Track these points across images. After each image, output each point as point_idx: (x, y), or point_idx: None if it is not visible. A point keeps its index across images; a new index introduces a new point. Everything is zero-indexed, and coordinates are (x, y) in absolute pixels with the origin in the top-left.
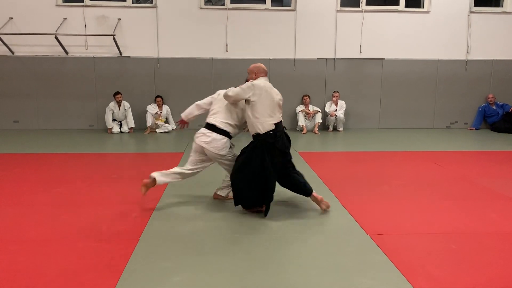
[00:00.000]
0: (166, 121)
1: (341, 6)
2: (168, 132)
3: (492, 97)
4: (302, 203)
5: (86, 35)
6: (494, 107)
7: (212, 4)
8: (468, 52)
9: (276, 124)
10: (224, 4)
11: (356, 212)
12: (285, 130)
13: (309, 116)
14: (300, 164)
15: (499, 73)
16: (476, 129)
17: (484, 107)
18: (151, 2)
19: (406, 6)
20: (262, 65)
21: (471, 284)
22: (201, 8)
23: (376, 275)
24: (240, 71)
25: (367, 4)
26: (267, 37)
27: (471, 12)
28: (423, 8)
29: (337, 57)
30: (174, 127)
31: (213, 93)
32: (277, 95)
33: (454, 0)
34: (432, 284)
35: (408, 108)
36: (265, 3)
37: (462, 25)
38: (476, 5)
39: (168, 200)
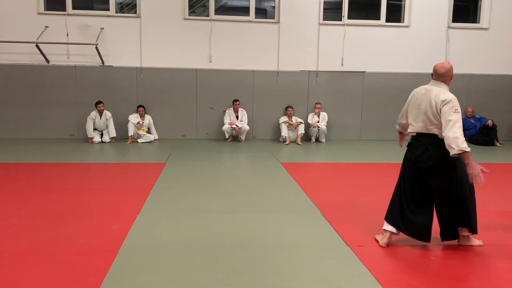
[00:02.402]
0: (148, 131)
1: (324, 19)
2: (150, 142)
3: (470, 111)
4: (285, 215)
5: (68, 43)
6: (472, 121)
7: (196, 15)
8: None
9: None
10: (208, 16)
11: (337, 223)
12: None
13: (292, 127)
14: (282, 175)
15: (477, 87)
16: None
17: (463, 120)
18: (135, 12)
19: (387, 21)
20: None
21: None
22: (185, 19)
23: (356, 287)
24: (223, 81)
25: (349, 18)
26: (250, 49)
27: (449, 27)
28: (403, 22)
29: (319, 69)
30: (156, 137)
31: (196, 103)
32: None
33: (433, 15)
34: None
35: (388, 120)
36: (249, 15)
37: (441, 40)
38: (454, 21)
39: (149, 211)
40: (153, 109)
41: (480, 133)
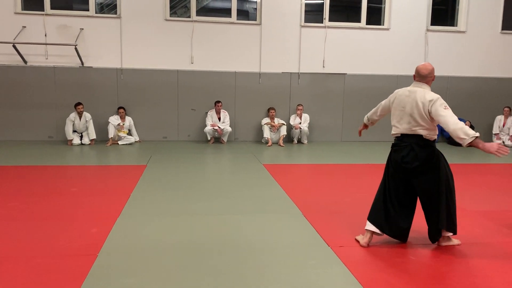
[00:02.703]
0: (129, 133)
1: (305, 21)
2: (130, 144)
3: None
4: (268, 217)
5: (46, 44)
6: None
7: (178, 16)
8: None
9: None
10: (189, 17)
11: (319, 224)
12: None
13: (274, 128)
14: (264, 177)
15: (455, 89)
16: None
17: None
18: (115, 13)
19: (368, 23)
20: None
21: None
22: (166, 20)
23: (338, 287)
24: (205, 83)
25: (330, 20)
26: (232, 50)
27: (428, 30)
28: (383, 25)
29: (301, 71)
30: (137, 139)
31: (178, 104)
32: None
33: (412, 18)
34: None
35: None
36: (230, 17)
37: (420, 42)
38: (432, 24)
39: (129, 214)
40: (133, 111)
41: None
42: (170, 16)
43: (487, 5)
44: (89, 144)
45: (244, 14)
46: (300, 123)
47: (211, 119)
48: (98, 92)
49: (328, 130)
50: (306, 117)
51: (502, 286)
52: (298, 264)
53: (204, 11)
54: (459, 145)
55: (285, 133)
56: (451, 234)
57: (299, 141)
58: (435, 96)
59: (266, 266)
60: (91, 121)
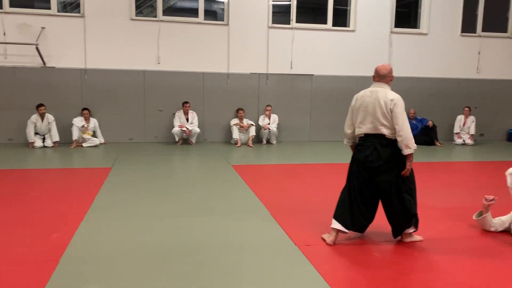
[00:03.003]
0: (94, 135)
1: (273, 22)
2: (95, 146)
3: (412, 112)
4: (235, 217)
5: (5, 43)
6: (414, 122)
7: (144, 16)
8: None
9: None
10: (156, 16)
11: (287, 224)
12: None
13: (243, 129)
14: (233, 177)
15: (418, 89)
16: None
17: None
18: (79, 11)
19: (334, 25)
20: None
21: None
22: (131, 19)
23: (304, 286)
24: (172, 83)
25: (297, 21)
26: (200, 50)
27: (392, 32)
28: (349, 27)
29: (269, 72)
30: (102, 141)
31: (144, 105)
32: None
33: (376, 20)
34: None
35: (336, 122)
36: (197, 17)
37: (384, 44)
38: (396, 26)
39: (93, 219)
40: (98, 112)
41: (421, 133)
42: (136, 16)
43: (448, 9)
44: (52, 146)
45: (212, 15)
46: (269, 124)
47: (179, 120)
48: (61, 93)
49: (297, 131)
50: (274, 117)
51: (461, 281)
52: (265, 264)
53: (171, 10)
54: (422, 144)
55: (254, 133)
56: (413, 230)
57: (268, 142)
58: (396, 96)
59: (232, 267)
60: (54, 123)
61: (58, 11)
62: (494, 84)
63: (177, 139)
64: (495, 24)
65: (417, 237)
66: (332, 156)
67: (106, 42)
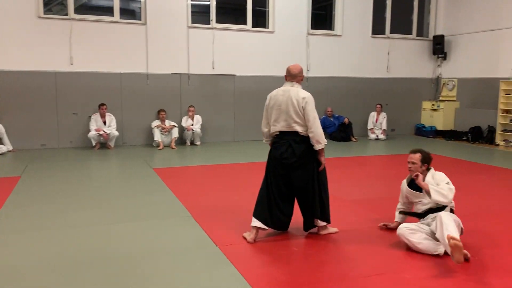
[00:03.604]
0: (0, 142)
1: (193, 22)
2: (2, 154)
3: (330, 110)
4: (155, 223)
5: None
6: (332, 119)
7: (53, 14)
8: (308, 70)
9: None
10: (67, 14)
11: (208, 225)
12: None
13: (165, 131)
14: (154, 181)
15: (334, 88)
16: None
17: (324, 119)
18: None
19: (255, 26)
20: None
21: (310, 282)
22: (39, 17)
23: (224, 286)
24: (87, 85)
25: (218, 22)
26: (117, 50)
27: (308, 33)
28: (268, 28)
29: (191, 72)
30: (10, 148)
31: (57, 109)
32: None
33: (294, 22)
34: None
35: (259, 121)
36: (113, 16)
37: (302, 45)
38: (313, 27)
39: None
40: (5, 117)
41: (338, 130)
42: (45, 14)
43: (359, 12)
44: None
45: (130, 13)
46: (192, 125)
47: (95, 123)
48: None
49: (221, 131)
50: (198, 118)
51: (371, 270)
52: (185, 268)
53: (84, 9)
54: (339, 140)
55: (177, 135)
56: (326, 223)
57: (192, 143)
58: (307, 94)
59: (152, 274)
60: None
61: None
62: (402, 83)
63: (94, 144)
64: (401, 26)
65: (332, 229)
66: (256, 155)
67: (12, 41)
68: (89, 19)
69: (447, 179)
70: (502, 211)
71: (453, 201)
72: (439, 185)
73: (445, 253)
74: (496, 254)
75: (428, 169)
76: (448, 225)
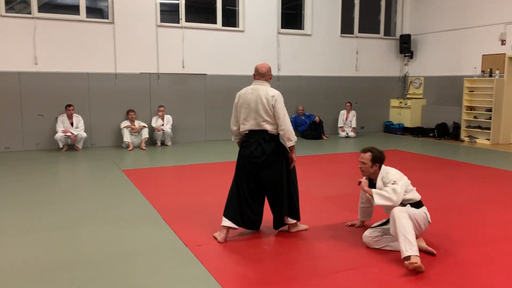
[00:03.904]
0: None
1: (162, 21)
2: None
3: (301, 109)
4: (124, 225)
5: None
6: (303, 118)
7: (16, 12)
8: (279, 69)
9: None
10: (30, 13)
11: (179, 226)
12: None
13: (135, 131)
14: (123, 183)
15: (305, 87)
16: None
17: (295, 117)
18: None
19: (226, 25)
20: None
21: (279, 280)
22: (1, 16)
23: (193, 286)
24: (53, 85)
25: (188, 21)
26: (83, 50)
27: (279, 33)
28: (238, 27)
29: (160, 71)
30: None
31: (21, 110)
32: None
33: (264, 21)
34: (245, 286)
35: (229, 121)
36: (79, 14)
37: (273, 44)
38: (283, 27)
39: None
40: None
41: (309, 128)
42: (6, 12)
43: (328, 11)
44: None
45: (97, 12)
46: (162, 125)
47: (62, 124)
48: None
49: (192, 131)
50: (168, 118)
51: (340, 266)
52: (154, 269)
53: (48, 7)
54: (310, 138)
55: (147, 136)
56: (296, 221)
57: (163, 143)
58: (276, 92)
59: (120, 276)
60: None
61: None
62: (371, 81)
63: (61, 146)
64: (369, 26)
65: (302, 226)
66: (227, 154)
67: None
68: (53, 18)
69: (397, 176)
70: (465, 204)
71: (417, 194)
72: (387, 186)
73: None
74: (460, 247)
75: (380, 168)
76: (400, 225)
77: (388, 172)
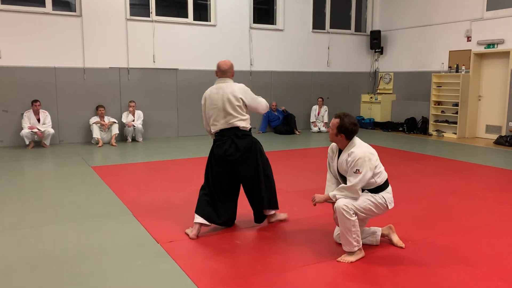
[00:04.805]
0: None
1: (131, 15)
2: None
3: (274, 105)
4: (92, 222)
5: None
6: (276, 113)
7: None
8: (251, 64)
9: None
10: None
11: (150, 222)
12: None
13: (104, 127)
14: (92, 180)
15: (278, 83)
16: (262, 132)
17: (268, 113)
18: None
19: (197, 19)
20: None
21: (250, 274)
22: None
23: (165, 283)
24: (18, 80)
25: (159, 15)
26: (50, 44)
27: (251, 28)
28: (210, 22)
29: (130, 66)
30: None
31: None
32: None
33: (236, 16)
34: (216, 281)
35: (201, 117)
36: (45, 7)
37: (245, 39)
38: (255, 22)
39: None
40: None
41: (282, 124)
42: None
43: (300, 7)
44: None
45: (64, 5)
46: (133, 121)
47: (28, 121)
48: None
49: (164, 126)
50: (139, 114)
51: (310, 259)
52: (124, 266)
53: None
54: (283, 133)
55: (117, 131)
56: (275, 211)
57: (134, 140)
58: (241, 85)
59: (89, 275)
60: None
61: None
62: (342, 76)
63: (27, 143)
64: (340, 22)
65: (281, 215)
66: (199, 150)
67: None
68: (18, 10)
69: (360, 163)
70: (433, 196)
71: (383, 175)
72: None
73: (382, 235)
74: (428, 236)
75: (350, 140)
76: (343, 222)
77: (356, 155)
